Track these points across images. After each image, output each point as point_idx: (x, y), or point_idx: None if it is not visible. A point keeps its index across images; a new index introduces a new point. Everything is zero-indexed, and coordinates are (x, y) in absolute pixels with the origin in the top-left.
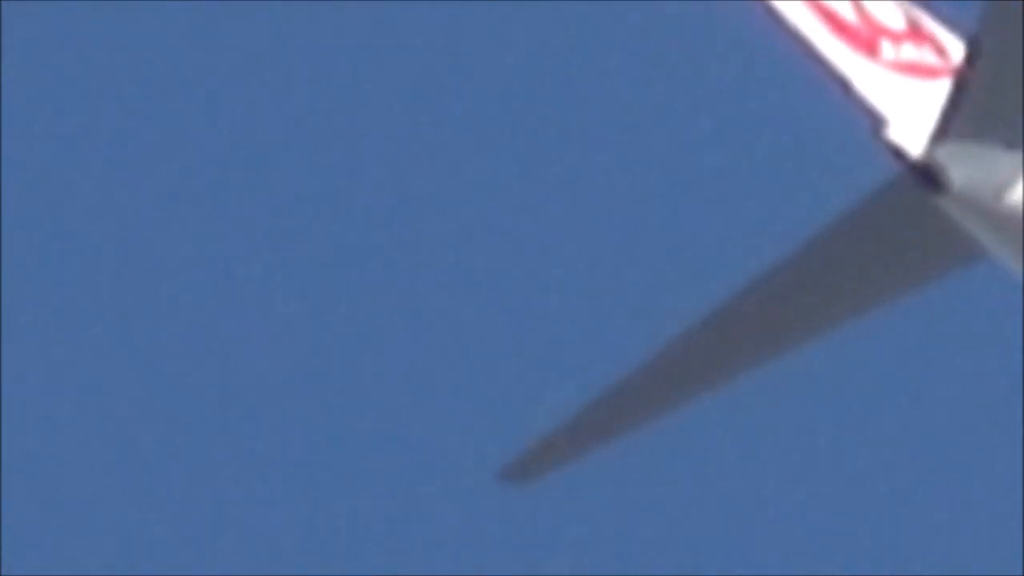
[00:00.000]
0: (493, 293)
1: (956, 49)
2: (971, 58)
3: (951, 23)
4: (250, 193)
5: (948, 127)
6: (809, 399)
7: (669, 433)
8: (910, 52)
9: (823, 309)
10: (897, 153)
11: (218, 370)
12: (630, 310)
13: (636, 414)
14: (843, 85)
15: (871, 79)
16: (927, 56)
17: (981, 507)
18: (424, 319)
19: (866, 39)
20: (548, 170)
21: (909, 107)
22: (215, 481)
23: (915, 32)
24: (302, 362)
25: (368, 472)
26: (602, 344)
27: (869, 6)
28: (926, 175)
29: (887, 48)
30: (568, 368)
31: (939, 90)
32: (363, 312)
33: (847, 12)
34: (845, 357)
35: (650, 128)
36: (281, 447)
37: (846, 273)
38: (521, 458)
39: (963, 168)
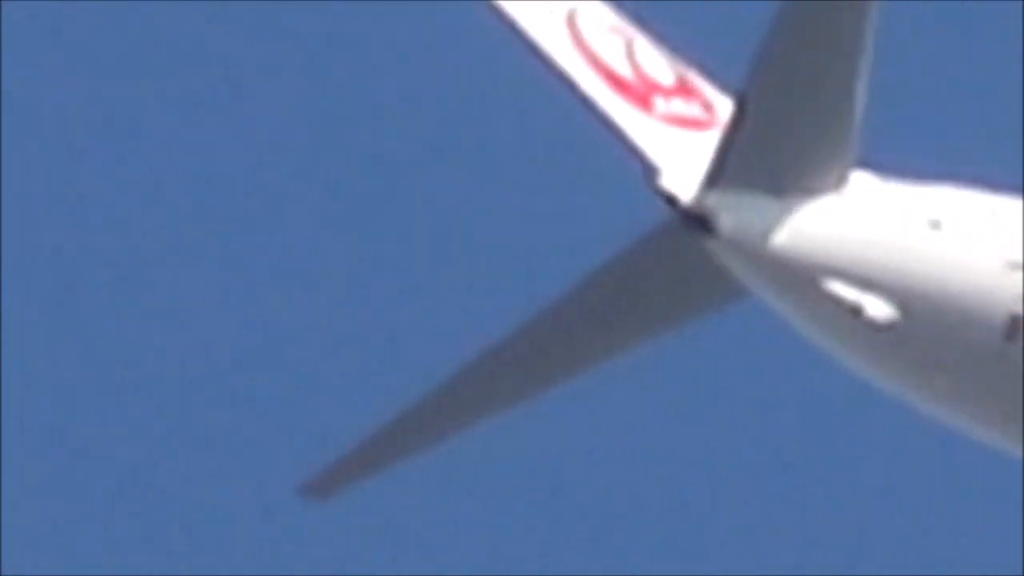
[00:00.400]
0: (285, 312)
1: (722, 104)
2: (738, 113)
3: (718, 81)
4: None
5: (717, 176)
6: (588, 425)
7: (461, 451)
8: (680, 106)
9: (601, 340)
10: (670, 200)
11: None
12: (419, 339)
13: (427, 434)
14: (618, 135)
15: (645, 131)
16: (695, 110)
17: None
18: (231, 329)
19: (640, 94)
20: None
21: (680, 157)
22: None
23: (684, 88)
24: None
25: (170, 487)
26: (396, 366)
27: (643, 63)
28: (696, 220)
29: (660, 103)
30: (366, 387)
31: (708, 141)
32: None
33: (623, 69)
34: (615, 386)
35: (434, 172)
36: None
37: (622, 310)
38: (321, 474)
39: (731, 214)
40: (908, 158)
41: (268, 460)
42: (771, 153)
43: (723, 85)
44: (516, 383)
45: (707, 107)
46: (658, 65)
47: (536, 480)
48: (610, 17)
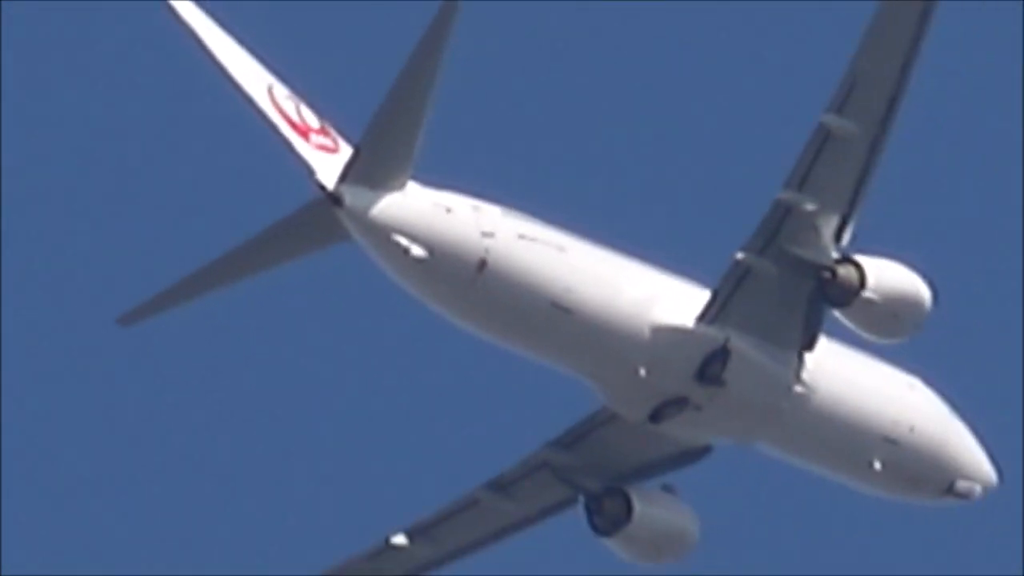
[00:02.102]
0: None
1: (343, 142)
2: (356, 148)
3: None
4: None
5: (344, 177)
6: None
7: None
8: (323, 140)
9: (270, 256)
10: (320, 187)
11: None
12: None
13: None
14: (294, 153)
15: (307, 150)
16: (330, 143)
17: None
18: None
19: (303, 130)
20: None
21: (334, 164)
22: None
23: (324, 131)
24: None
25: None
26: None
27: (304, 115)
28: (333, 199)
29: (313, 137)
30: None
31: (338, 159)
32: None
33: (294, 114)
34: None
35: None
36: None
37: (286, 242)
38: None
39: (350, 197)
40: (449, 177)
41: None
42: (370, 167)
43: (344, 130)
44: (228, 271)
45: (335, 142)
46: (311, 117)
47: None
48: (284, 91)
